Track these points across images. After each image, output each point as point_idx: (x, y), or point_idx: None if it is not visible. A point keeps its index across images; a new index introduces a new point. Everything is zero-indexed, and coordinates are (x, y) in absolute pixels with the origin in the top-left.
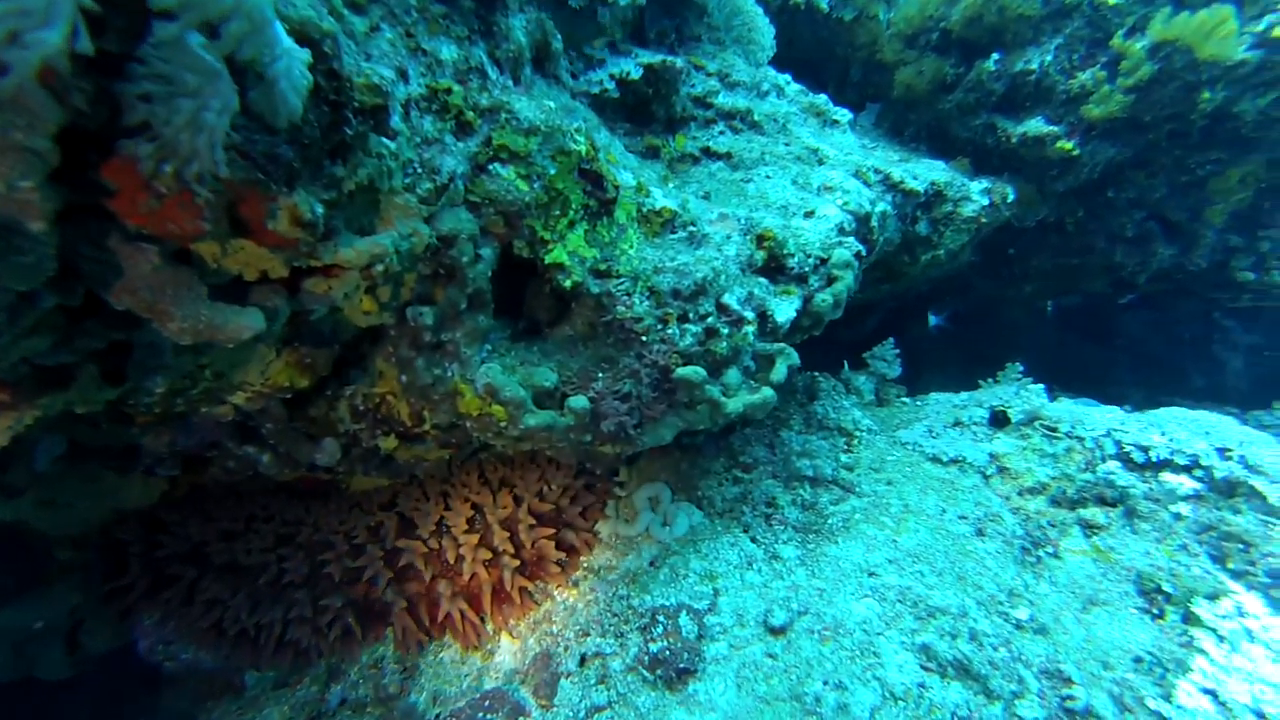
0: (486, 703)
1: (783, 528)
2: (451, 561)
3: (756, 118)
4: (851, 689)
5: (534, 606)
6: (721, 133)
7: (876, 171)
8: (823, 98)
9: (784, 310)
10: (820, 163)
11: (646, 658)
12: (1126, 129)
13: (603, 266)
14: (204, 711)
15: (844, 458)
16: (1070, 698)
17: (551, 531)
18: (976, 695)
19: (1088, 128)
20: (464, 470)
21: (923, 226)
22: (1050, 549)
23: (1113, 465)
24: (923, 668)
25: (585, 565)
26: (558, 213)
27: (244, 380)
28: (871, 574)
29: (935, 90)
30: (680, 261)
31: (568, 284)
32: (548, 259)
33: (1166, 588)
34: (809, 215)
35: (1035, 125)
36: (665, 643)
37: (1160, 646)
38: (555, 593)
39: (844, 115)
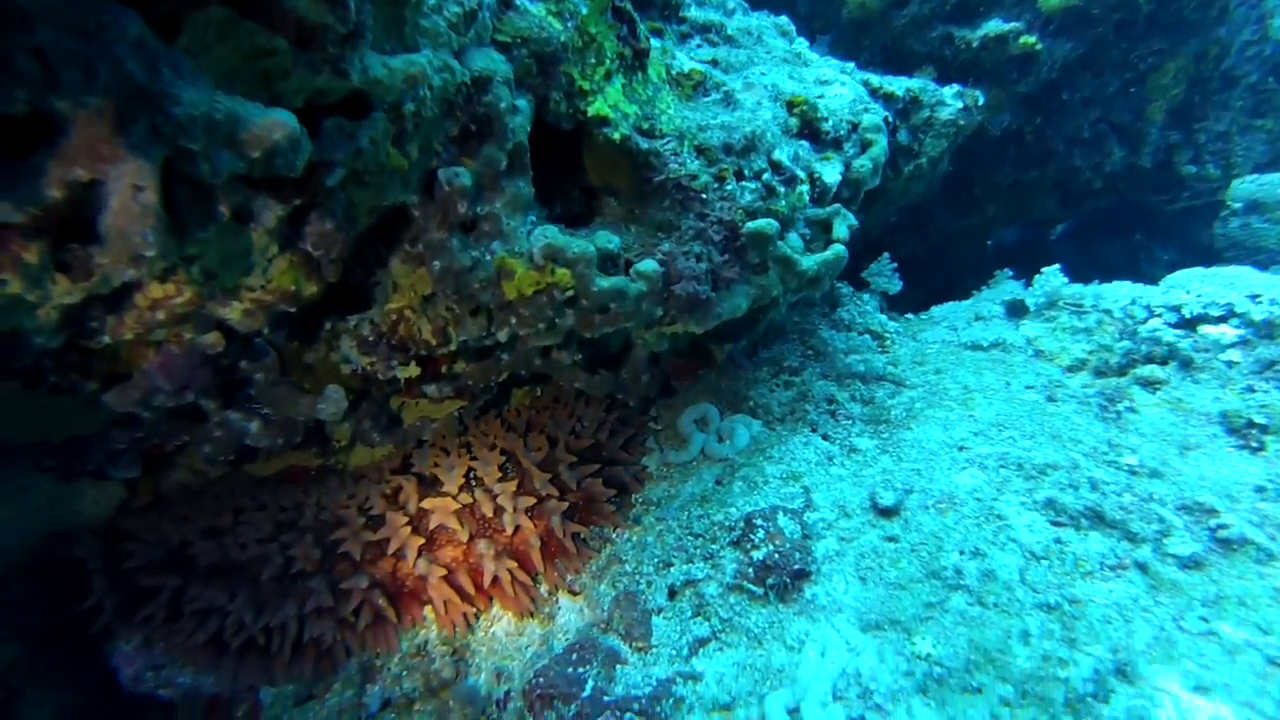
0: (574, 655)
1: (850, 422)
2: (489, 515)
3: (730, 31)
4: (991, 555)
5: (592, 554)
6: (699, 46)
7: (857, 74)
8: (784, 18)
9: (830, 173)
10: (807, 65)
11: (751, 570)
12: (1079, 23)
13: (645, 125)
14: None
15: (883, 356)
16: (1221, 526)
17: (597, 467)
18: (1120, 541)
19: (1045, 21)
20: (482, 422)
21: (903, 135)
22: (1127, 403)
23: (1155, 324)
24: (1053, 523)
25: (641, 500)
26: (593, 60)
27: (239, 284)
28: (961, 448)
29: (888, 8)
30: (723, 120)
31: (616, 136)
32: (591, 111)
33: (1259, 420)
34: (822, 95)
35: (994, 25)
36: (770, 547)
37: (1277, 474)
38: (613, 535)
39: (802, 44)
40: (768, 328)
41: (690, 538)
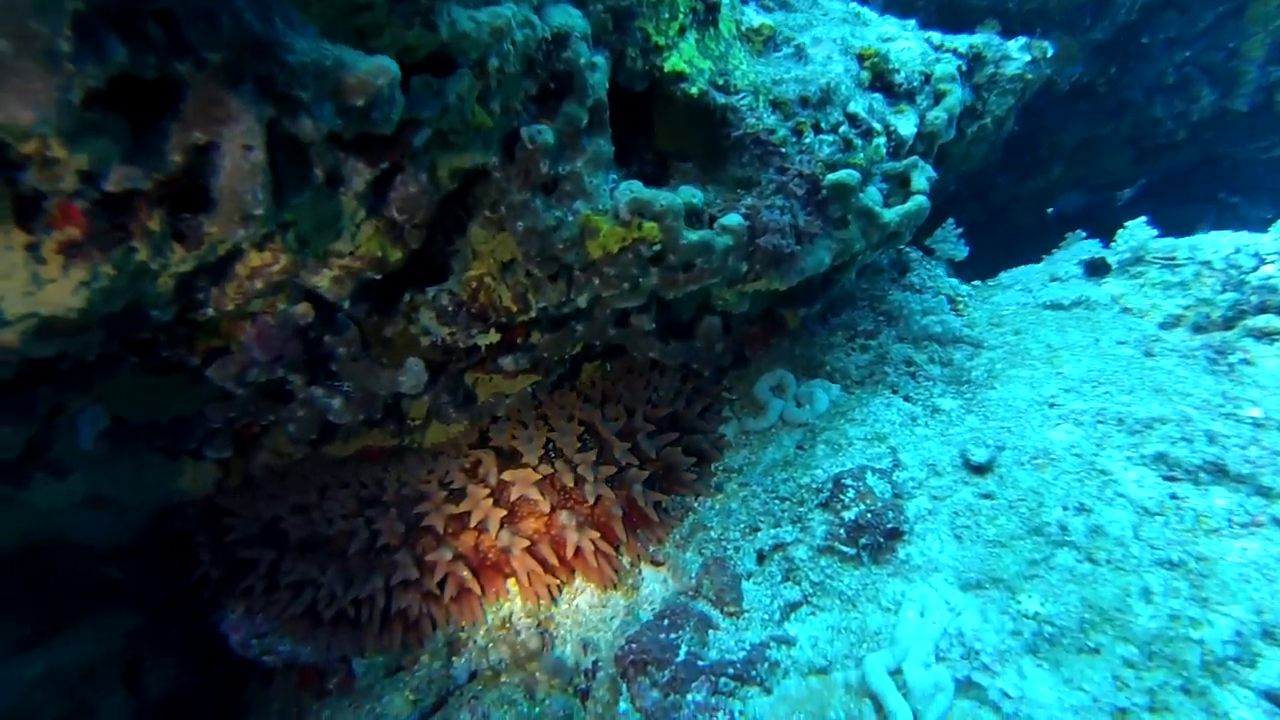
0: (665, 621)
1: (930, 383)
2: (570, 486)
3: None
4: (1098, 510)
5: (674, 523)
6: (755, 12)
7: (918, 32)
8: None
9: (905, 125)
10: (866, 24)
11: (842, 530)
12: None
13: (720, 80)
14: (311, 714)
15: (959, 319)
16: None
17: (676, 436)
18: (1251, 496)
19: None
20: (557, 395)
21: (965, 94)
22: (1240, 355)
23: (1269, 271)
24: (1166, 478)
25: (721, 468)
26: (667, 15)
27: (329, 251)
28: (1051, 405)
29: None
30: (797, 73)
31: (694, 91)
32: (667, 66)
33: None
34: (890, 48)
35: None
36: (862, 506)
37: None
38: (695, 503)
39: (858, 6)
40: (838, 294)
41: (776, 501)
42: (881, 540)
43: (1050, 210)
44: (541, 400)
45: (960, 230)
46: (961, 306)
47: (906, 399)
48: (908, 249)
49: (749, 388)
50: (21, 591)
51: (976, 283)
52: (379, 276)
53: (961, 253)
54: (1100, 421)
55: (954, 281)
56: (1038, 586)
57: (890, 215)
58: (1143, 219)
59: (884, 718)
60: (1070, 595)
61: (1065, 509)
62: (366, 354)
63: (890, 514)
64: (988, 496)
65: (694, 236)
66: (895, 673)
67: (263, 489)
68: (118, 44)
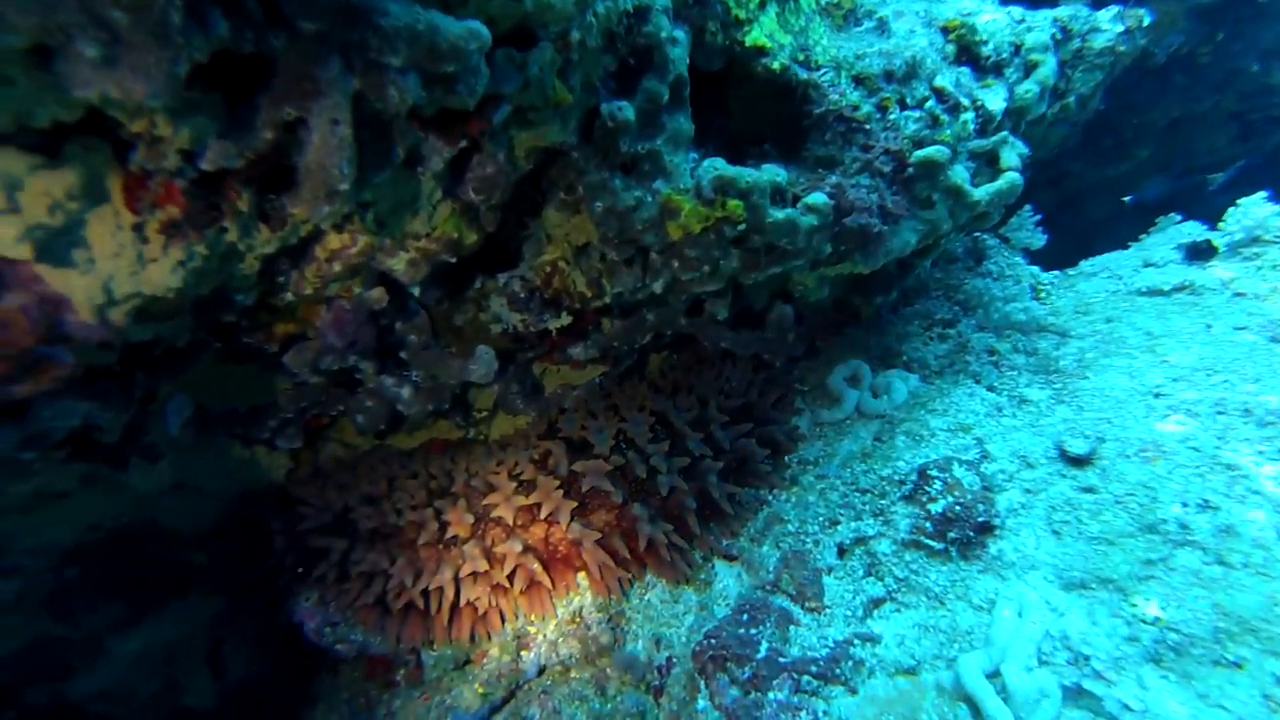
0: (745, 616)
1: (1015, 373)
2: (643, 477)
3: None
4: (1227, 509)
5: (748, 516)
6: None
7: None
8: None
9: (994, 100)
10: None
11: (929, 524)
12: None
13: (801, 56)
14: (381, 705)
15: (1043, 307)
16: None
17: (750, 427)
18: None
19: None
20: (627, 386)
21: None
22: None
23: None
24: None
25: (796, 460)
26: None
27: (407, 233)
28: (1157, 395)
29: None
30: (880, 47)
31: (776, 66)
32: (748, 40)
33: None
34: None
35: None
36: (950, 499)
37: None
38: (769, 496)
39: None
40: (912, 283)
41: (856, 494)
42: (971, 535)
43: (1128, 198)
44: (611, 391)
45: (1039, 218)
46: (1044, 294)
47: (990, 389)
48: (984, 236)
49: (822, 378)
50: (119, 573)
51: (1057, 272)
52: (454, 260)
53: (1039, 241)
54: (1220, 413)
55: (1035, 269)
56: (1155, 589)
57: (980, 194)
58: (1261, 194)
59: None
60: (1199, 600)
61: (1185, 506)
62: (436, 342)
63: (981, 507)
64: (1089, 490)
65: (779, 215)
66: (992, 675)
67: (333, 479)
68: (220, 18)
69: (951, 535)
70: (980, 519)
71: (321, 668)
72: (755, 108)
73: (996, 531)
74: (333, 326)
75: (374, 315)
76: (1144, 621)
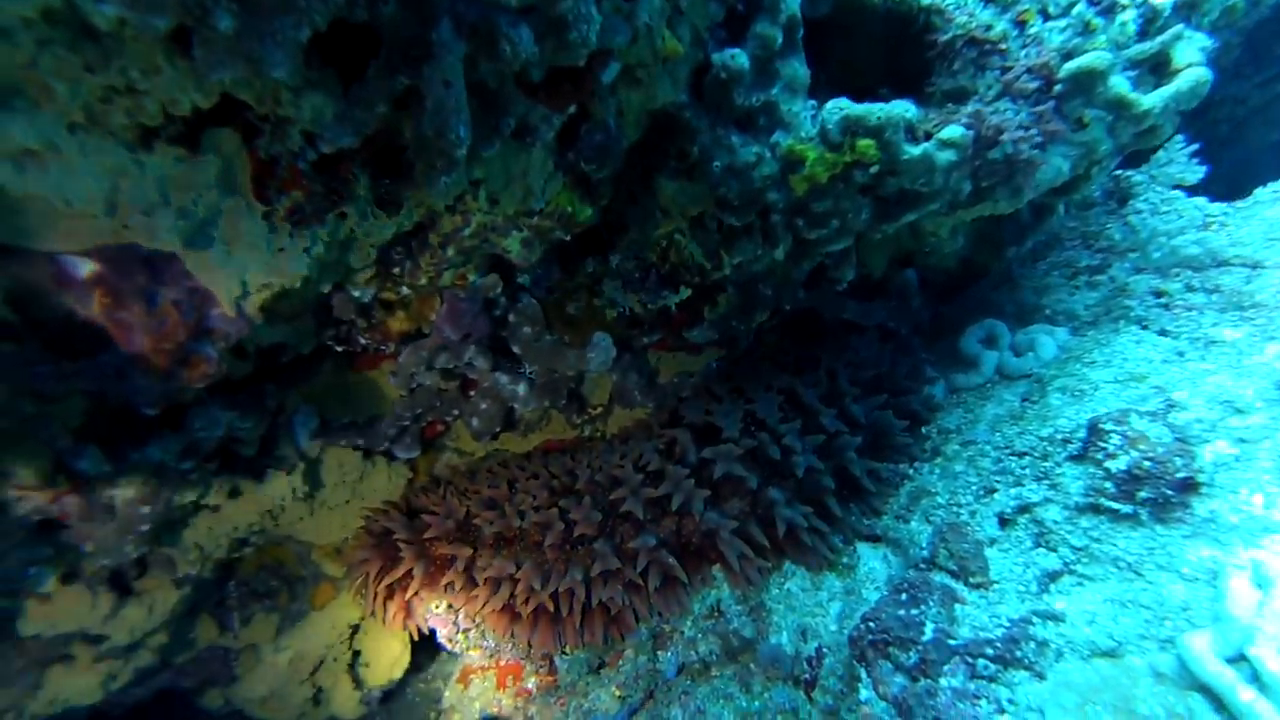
0: (903, 596)
1: (1194, 313)
2: (776, 459)
3: None
4: None
5: (890, 492)
6: None
7: None
8: None
9: None
10: None
11: (1110, 484)
12: None
13: None
14: (516, 712)
15: (1218, 237)
16: None
17: (885, 398)
18: None
19: None
20: (749, 364)
21: None
22: None
23: None
24: None
25: (935, 430)
26: None
27: (519, 209)
28: None
29: None
30: None
31: None
32: None
33: None
34: None
35: None
36: (1135, 454)
37: None
38: (910, 470)
39: None
40: (1041, 238)
41: (1012, 458)
42: (1170, 494)
43: None
44: (731, 373)
45: (1194, 149)
46: (1215, 226)
47: (1163, 333)
48: (1131, 173)
49: (952, 344)
50: (267, 587)
51: (1225, 205)
52: (567, 237)
53: (1195, 174)
54: None
55: (1199, 200)
56: None
57: (1151, 101)
58: None
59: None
60: None
61: None
62: (550, 333)
63: (1178, 461)
64: None
65: (916, 151)
66: (1235, 660)
67: (453, 486)
68: None
69: (1142, 495)
70: (1179, 475)
71: (450, 677)
72: (867, 53)
73: (1203, 489)
74: (448, 318)
75: (488, 305)
76: None
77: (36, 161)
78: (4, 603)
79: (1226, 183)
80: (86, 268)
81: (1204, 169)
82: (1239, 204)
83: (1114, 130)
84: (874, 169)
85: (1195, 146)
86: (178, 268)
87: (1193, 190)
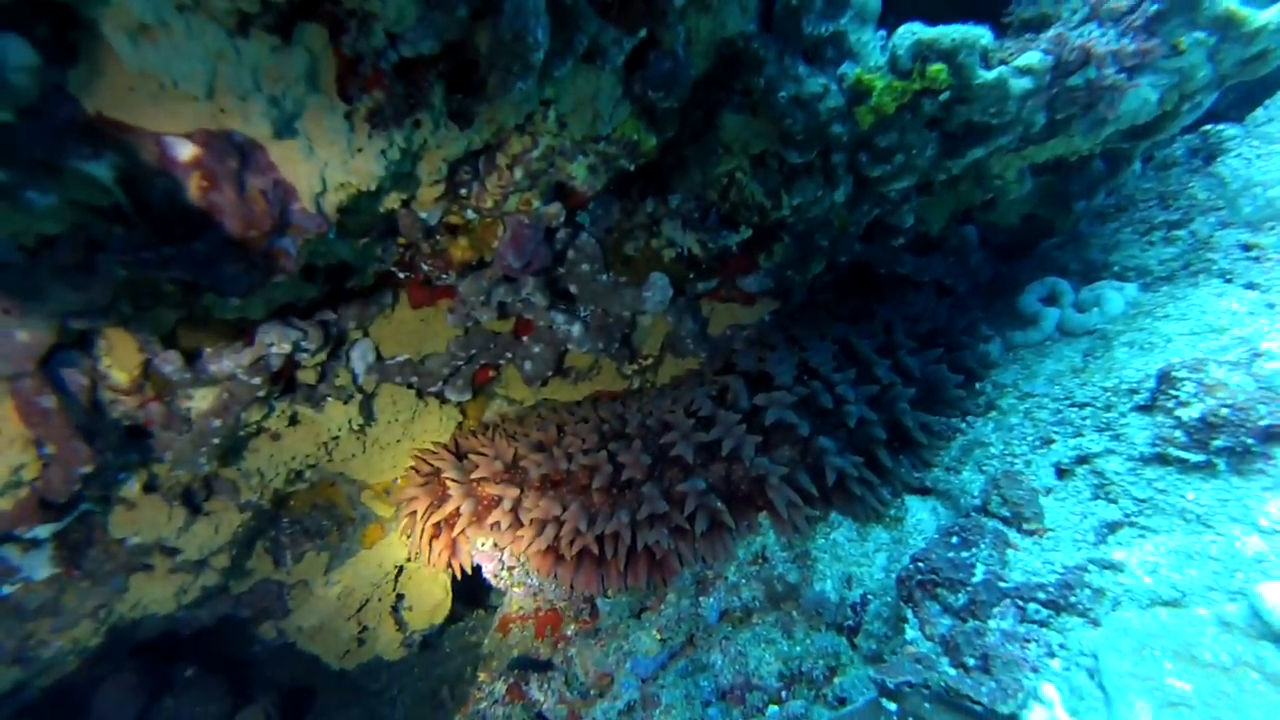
0: (954, 539)
1: None
2: (828, 408)
3: None
4: None
5: (942, 445)
6: None
7: None
8: None
9: None
10: None
11: (1180, 433)
12: None
13: None
14: (557, 653)
15: None
16: None
17: (940, 351)
18: None
19: None
20: (805, 314)
21: None
22: None
23: None
24: None
25: (991, 385)
26: None
27: (587, 134)
28: None
29: None
30: None
31: None
32: None
33: None
34: None
35: None
36: (1212, 401)
37: None
38: (963, 424)
39: None
40: (1112, 200)
41: (1072, 409)
42: (1250, 443)
43: None
44: (786, 324)
45: None
46: None
47: (1250, 286)
48: (1224, 127)
49: (1011, 301)
50: (318, 524)
51: None
52: (631, 167)
53: None
54: None
55: None
56: None
57: (1268, 18)
58: None
59: None
60: None
61: None
62: (608, 272)
63: (1262, 409)
64: None
65: (990, 75)
66: None
67: (502, 429)
68: None
69: (1217, 444)
70: (1261, 423)
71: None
72: None
73: None
74: (511, 244)
75: (549, 234)
76: None
77: (149, 38)
78: (98, 506)
79: None
80: (187, 150)
81: None
82: None
83: (1216, 55)
84: (944, 96)
85: None
86: (264, 158)
87: None
